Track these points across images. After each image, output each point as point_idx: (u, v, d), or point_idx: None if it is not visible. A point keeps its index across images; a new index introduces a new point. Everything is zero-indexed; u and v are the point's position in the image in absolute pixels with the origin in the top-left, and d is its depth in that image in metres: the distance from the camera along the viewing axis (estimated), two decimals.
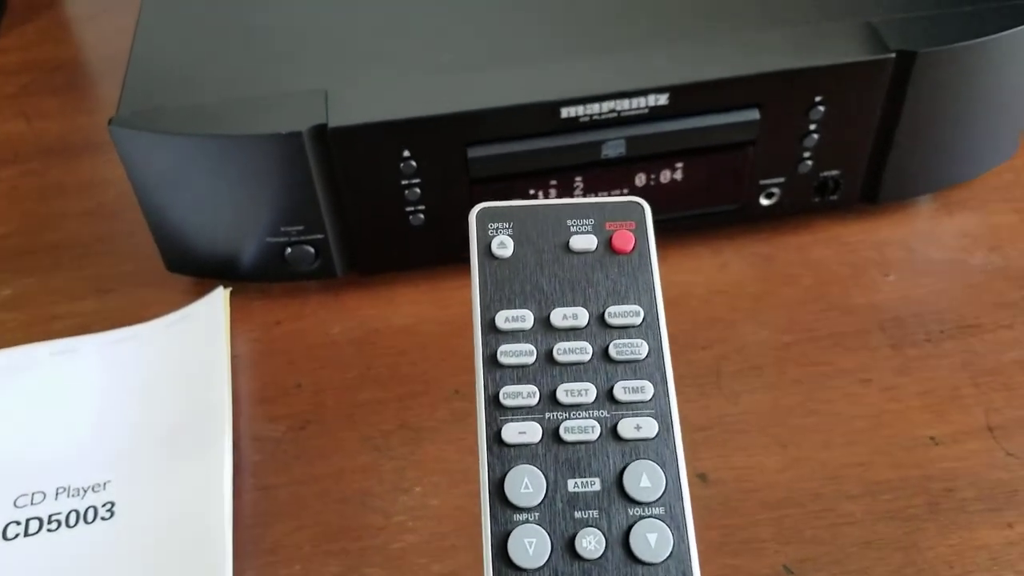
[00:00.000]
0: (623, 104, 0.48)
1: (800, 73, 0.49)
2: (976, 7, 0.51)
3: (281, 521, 0.45)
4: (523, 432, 0.32)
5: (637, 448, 0.32)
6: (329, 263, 0.53)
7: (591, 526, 0.30)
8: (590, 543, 0.30)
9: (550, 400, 0.32)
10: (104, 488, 0.45)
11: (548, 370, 0.33)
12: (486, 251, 0.35)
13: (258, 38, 0.54)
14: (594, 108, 0.48)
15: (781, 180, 0.53)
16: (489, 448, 0.32)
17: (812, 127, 0.51)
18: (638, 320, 0.33)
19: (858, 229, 0.57)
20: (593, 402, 0.32)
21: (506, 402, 0.32)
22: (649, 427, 0.32)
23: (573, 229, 0.35)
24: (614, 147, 0.50)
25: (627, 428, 0.32)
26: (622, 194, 0.52)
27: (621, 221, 0.35)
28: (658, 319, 0.33)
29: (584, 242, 0.35)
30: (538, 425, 0.32)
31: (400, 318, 0.53)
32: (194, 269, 0.54)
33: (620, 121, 0.49)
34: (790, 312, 0.52)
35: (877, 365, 0.50)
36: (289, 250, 0.52)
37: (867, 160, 0.53)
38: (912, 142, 0.52)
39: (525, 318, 0.33)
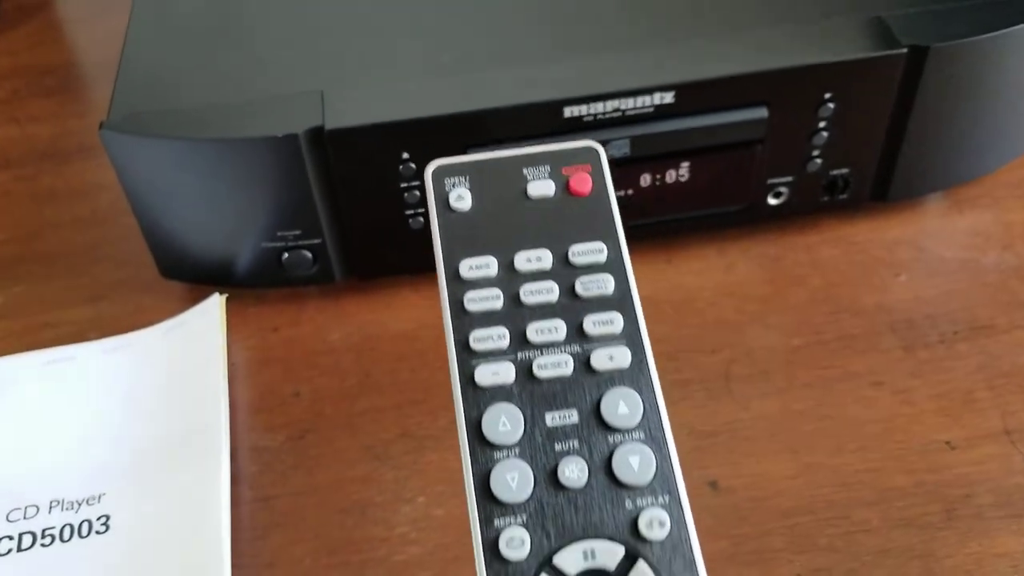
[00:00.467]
0: (628, 103, 0.47)
1: (809, 69, 0.48)
2: (988, 0, 0.50)
3: (280, 533, 0.44)
4: (496, 373, 0.32)
5: (612, 378, 0.32)
6: (327, 268, 0.52)
7: (573, 454, 0.30)
8: (573, 472, 0.30)
9: (521, 340, 0.32)
10: (99, 501, 0.44)
11: (516, 312, 0.33)
12: (444, 205, 0.35)
13: (252, 40, 0.53)
14: (598, 107, 0.47)
15: (790, 179, 0.52)
16: (463, 393, 0.31)
17: (821, 125, 0.50)
18: (603, 257, 0.33)
19: (867, 228, 0.56)
20: (564, 339, 0.32)
21: (476, 347, 0.32)
22: (622, 356, 0.32)
23: (530, 177, 0.35)
24: (618, 147, 0.49)
25: (600, 359, 0.32)
26: (626, 194, 0.51)
27: (578, 165, 0.35)
28: (622, 255, 0.34)
29: (542, 188, 0.35)
30: (511, 364, 0.32)
31: (400, 323, 0.53)
32: (189, 275, 0.53)
33: (625, 120, 0.48)
34: (799, 314, 0.52)
35: (889, 368, 0.49)
36: (286, 255, 0.51)
37: (877, 158, 0.52)
38: (923, 138, 0.51)
39: (489, 265, 0.33)
